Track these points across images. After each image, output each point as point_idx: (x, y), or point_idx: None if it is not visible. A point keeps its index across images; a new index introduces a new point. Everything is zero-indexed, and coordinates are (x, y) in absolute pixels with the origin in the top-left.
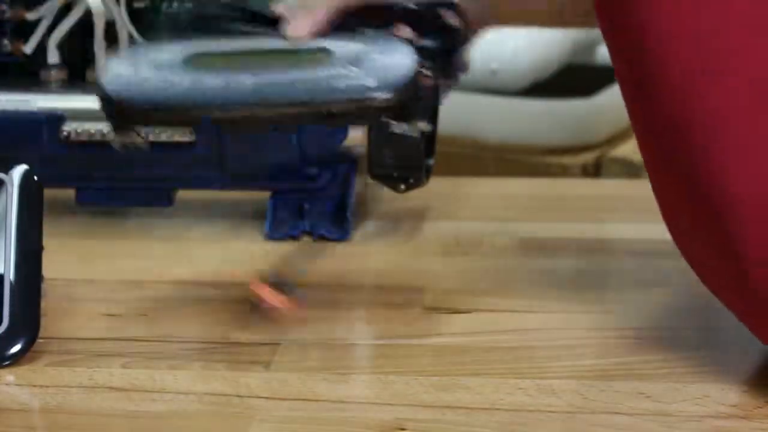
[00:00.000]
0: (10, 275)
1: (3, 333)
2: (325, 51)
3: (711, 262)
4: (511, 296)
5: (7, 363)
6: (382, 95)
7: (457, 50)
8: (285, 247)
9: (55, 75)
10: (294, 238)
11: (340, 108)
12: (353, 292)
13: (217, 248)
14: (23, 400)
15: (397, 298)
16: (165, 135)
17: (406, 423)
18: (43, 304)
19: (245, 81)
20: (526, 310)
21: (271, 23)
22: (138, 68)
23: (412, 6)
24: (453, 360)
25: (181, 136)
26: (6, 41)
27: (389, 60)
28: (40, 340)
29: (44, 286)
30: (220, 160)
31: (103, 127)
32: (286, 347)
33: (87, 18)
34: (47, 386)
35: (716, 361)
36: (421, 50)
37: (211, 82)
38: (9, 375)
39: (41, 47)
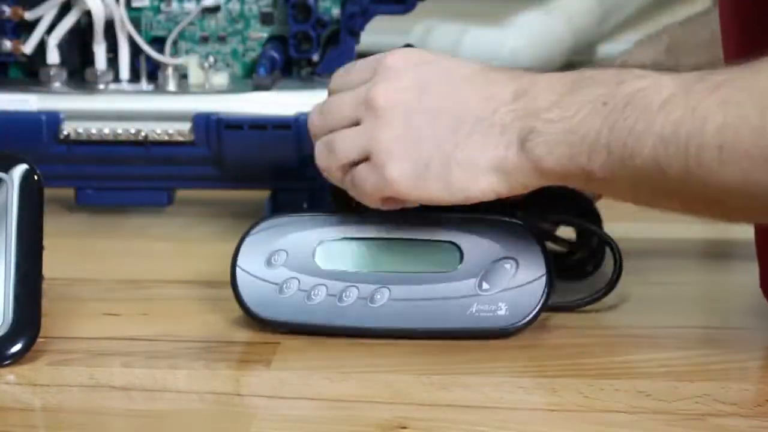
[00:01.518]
0: (11, 275)
1: (4, 332)
2: (455, 248)
3: None
4: None
5: (7, 362)
6: (514, 326)
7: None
8: None
9: (55, 75)
10: None
11: (472, 333)
12: None
13: (216, 248)
14: (24, 399)
15: None
16: (164, 134)
17: (407, 421)
18: (43, 304)
19: (379, 299)
20: None
21: None
22: (271, 268)
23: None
24: (453, 359)
25: (180, 135)
26: (6, 41)
27: (522, 276)
28: (41, 340)
29: (44, 285)
30: (219, 159)
31: (103, 127)
32: (287, 346)
33: (86, 17)
34: (48, 385)
35: (716, 360)
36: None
37: (346, 300)
38: (10, 374)
39: (41, 47)
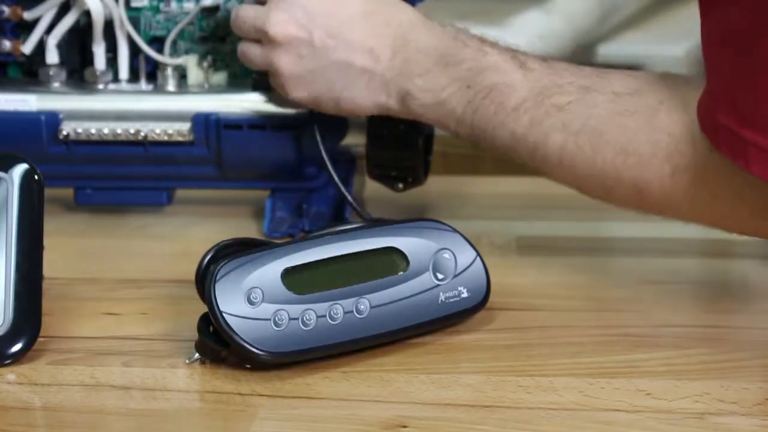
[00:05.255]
0: (11, 274)
1: (4, 332)
2: (398, 253)
3: None
4: (510, 295)
5: (8, 362)
6: (479, 302)
7: None
8: None
9: (54, 75)
10: (292, 237)
11: (451, 319)
12: None
13: None
14: (25, 398)
15: None
16: (163, 134)
17: (408, 420)
18: (43, 303)
19: (363, 309)
20: (526, 308)
21: None
22: (252, 305)
23: None
24: (454, 358)
25: (179, 135)
26: (5, 41)
27: (461, 259)
28: (41, 339)
29: (44, 285)
30: (218, 159)
31: (102, 126)
32: None
33: (86, 17)
34: (48, 384)
35: (716, 359)
36: None
37: (336, 317)
38: (10, 374)
39: (40, 47)
